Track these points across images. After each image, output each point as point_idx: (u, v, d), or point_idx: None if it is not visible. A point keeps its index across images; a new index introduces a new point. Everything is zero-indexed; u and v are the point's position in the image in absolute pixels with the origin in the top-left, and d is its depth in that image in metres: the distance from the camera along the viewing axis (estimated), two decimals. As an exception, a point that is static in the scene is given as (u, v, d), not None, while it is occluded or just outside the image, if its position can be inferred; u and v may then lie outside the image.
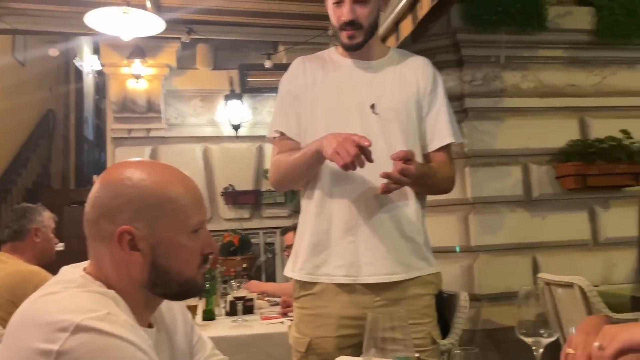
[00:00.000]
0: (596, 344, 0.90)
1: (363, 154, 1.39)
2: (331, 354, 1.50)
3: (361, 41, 1.60)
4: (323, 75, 1.65)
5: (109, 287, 0.93)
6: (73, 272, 0.96)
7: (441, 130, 1.65)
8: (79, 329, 0.80)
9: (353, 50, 1.63)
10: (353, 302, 1.56)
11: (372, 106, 1.60)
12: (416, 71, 1.66)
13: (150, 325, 1.02)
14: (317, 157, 1.51)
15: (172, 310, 1.13)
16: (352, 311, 1.55)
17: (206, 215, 1.03)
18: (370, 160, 1.41)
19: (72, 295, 0.88)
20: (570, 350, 0.98)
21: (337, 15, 1.59)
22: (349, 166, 1.39)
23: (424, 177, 1.52)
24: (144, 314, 0.99)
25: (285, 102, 1.67)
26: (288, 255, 1.97)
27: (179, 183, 0.99)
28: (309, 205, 1.62)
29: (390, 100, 1.61)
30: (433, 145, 1.66)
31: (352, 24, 1.57)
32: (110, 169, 1.01)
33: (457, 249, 3.47)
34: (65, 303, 0.86)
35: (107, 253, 0.94)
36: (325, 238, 1.58)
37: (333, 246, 1.57)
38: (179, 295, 1.02)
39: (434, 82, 1.67)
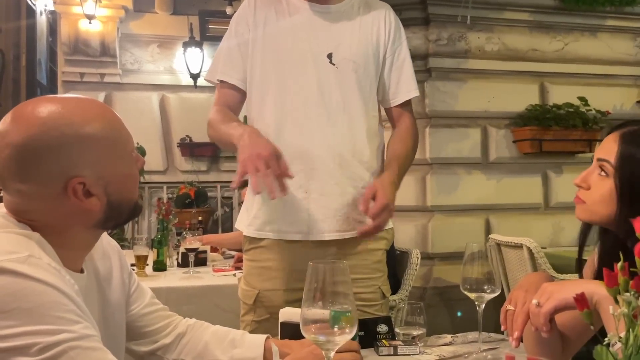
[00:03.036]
0: (534, 301, 0.91)
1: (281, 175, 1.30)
2: (279, 306, 1.46)
3: None
4: (276, 18, 1.54)
5: (36, 229, 0.87)
6: (-6, 212, 0.89)
7: (407, 83, 1.59)
8: None
9: None
10: (303, 256, 1.52)
11: (329, 56, 1.52)
12: (378, 19, 1.58)
13: (82, 271, 0.97)
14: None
15: (109, 258, 1.08)
16: (301, 265, 1.50)
17: (132, 136, 0.99)
18: (284, 187, 1.30)
19: None
20: (510, 307, 0.99)
21: None
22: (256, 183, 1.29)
23: (401, 178, 1.53)
24: (79, 253, 0.96)
25: (232, 44, 1.56)
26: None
27: (102, 116, 0.93)
28: None
29: (348, 50, 1.53)
30: (398, 99, 1.60)
31: None
32: (22, 113, 0.88)
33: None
34: None
35: (48, 207, 0.88)
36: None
37: (284, 202, 1.51)
38: (126, 221, 1.02)
39: (396, 32, 1.59)
